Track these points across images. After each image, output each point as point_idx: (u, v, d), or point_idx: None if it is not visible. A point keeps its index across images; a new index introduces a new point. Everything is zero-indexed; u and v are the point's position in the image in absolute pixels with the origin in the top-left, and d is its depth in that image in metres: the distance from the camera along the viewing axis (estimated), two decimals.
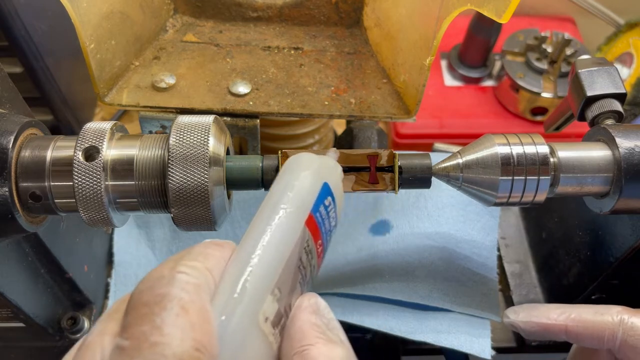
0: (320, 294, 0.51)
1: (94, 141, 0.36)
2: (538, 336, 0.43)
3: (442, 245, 0.52)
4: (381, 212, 0.56)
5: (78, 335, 0.53)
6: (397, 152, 0.39)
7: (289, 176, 0.31)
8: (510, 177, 0.38)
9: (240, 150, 0.56)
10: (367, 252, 0.53)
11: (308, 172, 0.31)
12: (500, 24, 0.77)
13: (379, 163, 0.38)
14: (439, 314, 0.49)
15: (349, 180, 0.39)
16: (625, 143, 0.39)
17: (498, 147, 0.38)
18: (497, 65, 0.84)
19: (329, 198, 0.31)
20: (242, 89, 0.51)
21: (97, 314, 0.55)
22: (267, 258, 0.26)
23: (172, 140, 0.36)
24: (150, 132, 0.51)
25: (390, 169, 0.38)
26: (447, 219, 0.53)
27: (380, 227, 0.55)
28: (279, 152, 0.38)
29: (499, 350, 0.50)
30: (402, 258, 0.52)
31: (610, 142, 0.39)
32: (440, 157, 0.40)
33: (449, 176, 0.39)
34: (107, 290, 0.59)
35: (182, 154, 0.35)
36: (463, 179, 0.39)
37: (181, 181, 0.35)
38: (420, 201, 0.55)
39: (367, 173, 0.39)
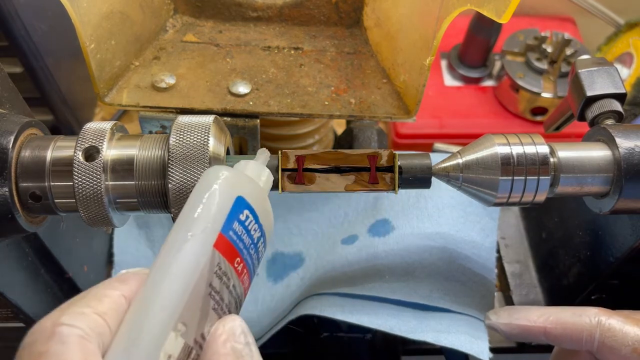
0: (320, 294, 0.51)
1: (94, 141, 0.36)
2: (519, 338, 0.44)
3: (442, 245, 0.52)
4: (381, 212, 0.56)
5: None
6: (397, 152, 0.39)
7: (195, 197, 0.29)
8: (510, 177, 0.38)
9: (240, 150, 0.56)
10: (367, 252, 0.53)
11: (214, 189, 0.29)
12: (500, 24, 0.77)
13: (379, 163, 0.38)
14: (439, 313, 0.49)
15: (349, 180, 0.39)
16: (625, 143, 0.39)
17: (498, 147, 0.38)
18: (497, 65, 0.84)
19: (246, 211, 0.30)
20: (242, 89, 0.51)
21: None
22: (166, 294, 0.25)
23: (172, 141, 0.36)
24: (150, 132, 0.51)
25: (390, 169, 0.38)
26: (447, 220, 0.53)
27: (380, 228, 0.55)
28: (279, 152, 0.38)
29: (498, 350, 0.50)
30: (402, 258, 0.52)
31: (610, 142, 0.39)
32: (440, 157, 0.40)
33: (449, 176, 0.39)
34: None
35: (182, 154, 0.35)
36: (463, 179, 0.39)
37: (181, 181, 0.35)
38: (421, 202, 0.54)
39: (367, 173, 0.39)
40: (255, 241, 0.30)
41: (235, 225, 0.29)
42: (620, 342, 0.38)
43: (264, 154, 0.36)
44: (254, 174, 0.33)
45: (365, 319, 0.48)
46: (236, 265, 0.29)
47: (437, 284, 0.51)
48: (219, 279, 0.27)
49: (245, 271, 0.30)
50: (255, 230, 0.30)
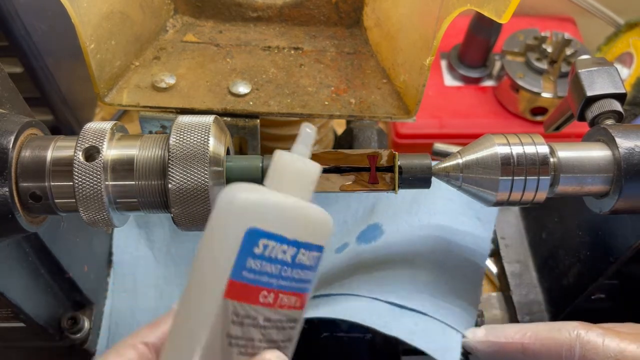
0: None
1: (94, 141, 0.36)
2: (496, 357, 0.43)
3: (428, 250, 0.51)
4: (373, 218, 0.56)
5: (78, 335, 0.53)
6: (397, 153, 0.39)
7: (205, 239, 0.27)
8: (510, 177, 0.38)
9: (240, 150, 0.56)
10: (351, 255, 0.53)
11: (217, 231, 0.27)
12: (500, 24, 0.77)
13: (378, 163, 0.38)
14: (416, 315, 0.48)
15: (349, 180, 0.38)
16: (625, 143, 0.39)
17: (498, 147, 0.38)
18: (497, 65, 0.84)
19: (262, 241, 0.26)
20: (242, 89, 0.51)
21: (97, 314, 0.55)
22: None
23: (172, 140, 0.36)
24: (151, 132, 0.51)
25: (390, 169, 0.38)
26: (437, 226, 0.52)
27: (370, 234, 0.54)
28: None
29: None
30: (384, 260, 0.51)
31: (610, 142, 0.39)
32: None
33: (449, 176, 0.39)
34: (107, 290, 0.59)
35: (183, 154, 0.35)
36: (463, 178, 0.39)
37: (181, 181, 0.35)
38: (413, 207, 0.54)
39: (367, 173, 0.38)
40: (290, 261, 0.27)
41: (250, 262, 0.26)
42: (602, 355, 0.38)
43: (308, 132, 0.30)
44: (292, 172, 0.29)
45: (338, 310, 0.47)
46: (263, 300, 0.27)
47: (418, 287, 0.50)
48: (240, 325, 0.26)
49: (282, 296, 0.27)
50: (284, 252, 0.27)
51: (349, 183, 0.38)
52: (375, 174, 0.38)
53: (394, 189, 0.38)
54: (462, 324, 0.48)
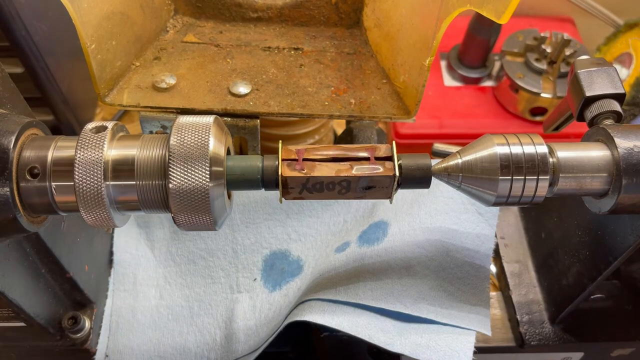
0: (304, 301, 0.51)
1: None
2: None
3: (432, 253, 0.51)
4: (373, 217, 0.56)
5: (79, 334, 0.53)
6: (397, 154, 0.39)
7: None
8: (509, 177, 0.38)
9: (240, 150, 0.57)
10: (353, 258, 0.53)
11: None
12: (499, 25, 0.77)
13: (377, 154, 0.39)
14: (422, 326, 0.49)
15: (348, 167, 0.38)
16: (624, 143, 0.39)
17: (497, 147, 0.38)
18: (497, 65, 0.84)
19: None
20: (243, 89, 0.51)
21: (98, 314, 0.56)
22: None
23: (172, 140, 0.36)
24: (151, 132, 0.51)
25: (389, 158, 0.39)
26: (439, 228, 0.53)
27: (372, 234, 0.54)
28: (280, 141, 0.38)
29: (499, 350, 0.50)
30: (388, 265, 0.51)
31: (609, 142, 0.40)
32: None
33: (449, 176, 0.39)
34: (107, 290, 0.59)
35: (183, 154, 0.35)
36: (462, 178, 0.39)
37: (182, 181, 0.35)
38: (414, 208, 0.54)
39: (367, 161, 0.38)
40: None
41: None
42: None
43: None
44: None
45: (345, 324, 0.47)
46: None
47: (423, 293, 0.50)
48: None
49: None
50: None
51: (354, 169, 0.38)
52: (375, 162, 0.38)
53: (394, 174, 0.38)
54: (473, 323, 0.49)
